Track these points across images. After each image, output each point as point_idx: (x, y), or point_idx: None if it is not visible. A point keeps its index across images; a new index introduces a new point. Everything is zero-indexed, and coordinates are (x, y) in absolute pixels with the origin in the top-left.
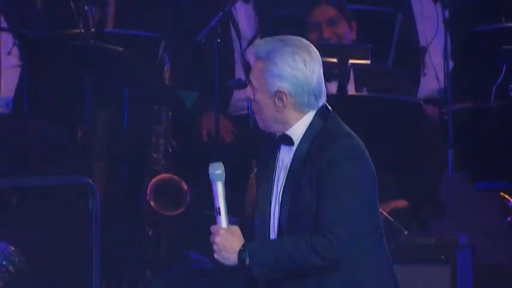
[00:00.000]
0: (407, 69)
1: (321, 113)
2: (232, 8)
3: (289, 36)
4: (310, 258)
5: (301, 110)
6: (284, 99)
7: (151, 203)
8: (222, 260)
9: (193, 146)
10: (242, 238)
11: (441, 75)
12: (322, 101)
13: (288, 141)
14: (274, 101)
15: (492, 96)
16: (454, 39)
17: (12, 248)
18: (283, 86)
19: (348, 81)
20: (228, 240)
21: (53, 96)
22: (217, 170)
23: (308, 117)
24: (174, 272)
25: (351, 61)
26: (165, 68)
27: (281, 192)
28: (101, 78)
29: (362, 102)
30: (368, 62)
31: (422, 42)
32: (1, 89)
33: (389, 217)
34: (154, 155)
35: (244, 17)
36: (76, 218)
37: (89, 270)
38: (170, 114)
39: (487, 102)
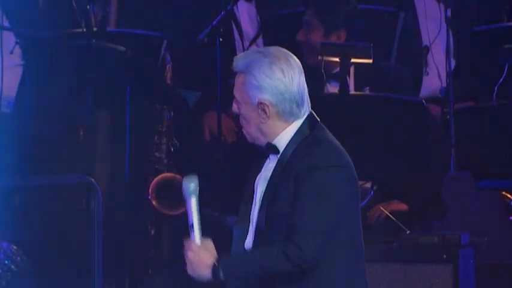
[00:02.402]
0: (410, 69)
1: (308, 122)
2: (235, 7)
3: (267, 48)
4: (280, 265)
5: (286, 119)
6: (267, 110)
7: (154, 203)
8: (195, 275)
9: (195, 145)
10: (215, 253)
11: (443, 74)
12: (305, 109)
13: (274, 150)
14: (258, 113)
15: (494, 95)
16: (456, 38)
17: (15, 247)
18: (264, 97)
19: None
20: (200, 256)
21: (54, 96)
22: (190, 184)
23: (294, 127)
24: (175, 270)
25: (352, 60)
26: (167, 68)
27: (261, 198)
28: (103, 77)
29: (364, 101)
30: (370, 61)
31: (425, 41)
32: (3, 88)
33: (392, 216)
34: (157, 155)
35: (246, 16)
36: (78, 217)
37: (91, 270)
38: (172, 113)
39: (489, 101)
